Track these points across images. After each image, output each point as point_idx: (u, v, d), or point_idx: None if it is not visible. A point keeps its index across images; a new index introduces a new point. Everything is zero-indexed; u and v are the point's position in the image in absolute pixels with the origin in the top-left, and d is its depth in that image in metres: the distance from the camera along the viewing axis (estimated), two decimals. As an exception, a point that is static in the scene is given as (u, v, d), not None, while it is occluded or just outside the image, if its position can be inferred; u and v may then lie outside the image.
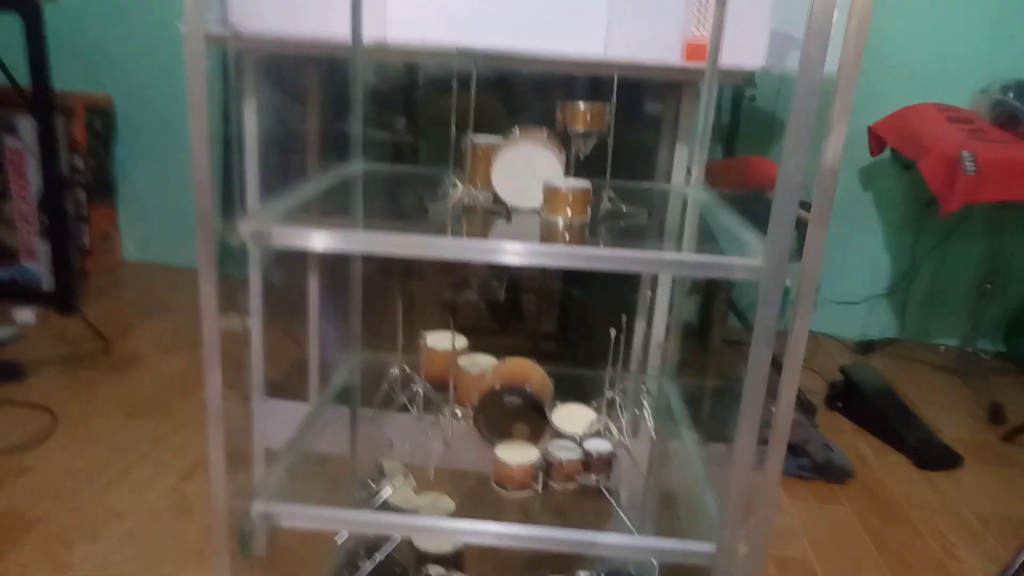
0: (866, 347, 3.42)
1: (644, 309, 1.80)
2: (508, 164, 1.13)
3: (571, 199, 1.05)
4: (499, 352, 1.41)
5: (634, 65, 1.71)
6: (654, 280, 1.80)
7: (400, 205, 1.26)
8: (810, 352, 3.22)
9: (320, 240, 0.93)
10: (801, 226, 0.92)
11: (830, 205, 0.80)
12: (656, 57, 1.76)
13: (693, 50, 1.75)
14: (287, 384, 2.23)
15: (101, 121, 3.44)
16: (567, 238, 1.03)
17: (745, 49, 1.62)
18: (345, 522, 1.05)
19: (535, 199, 1.12)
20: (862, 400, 2.77)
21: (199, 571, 1.72)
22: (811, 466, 2.38)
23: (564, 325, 2.81)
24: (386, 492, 1.31)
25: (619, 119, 1.24)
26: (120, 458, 2.13)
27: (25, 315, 2.95)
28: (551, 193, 1.07)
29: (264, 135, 1.43)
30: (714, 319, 2.47)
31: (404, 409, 1.35)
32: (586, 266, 0.91)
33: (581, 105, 1.16)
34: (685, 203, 1.35)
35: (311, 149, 1.86)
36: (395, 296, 1.43)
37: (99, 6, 3.40)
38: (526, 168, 1.12)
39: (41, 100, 2.86)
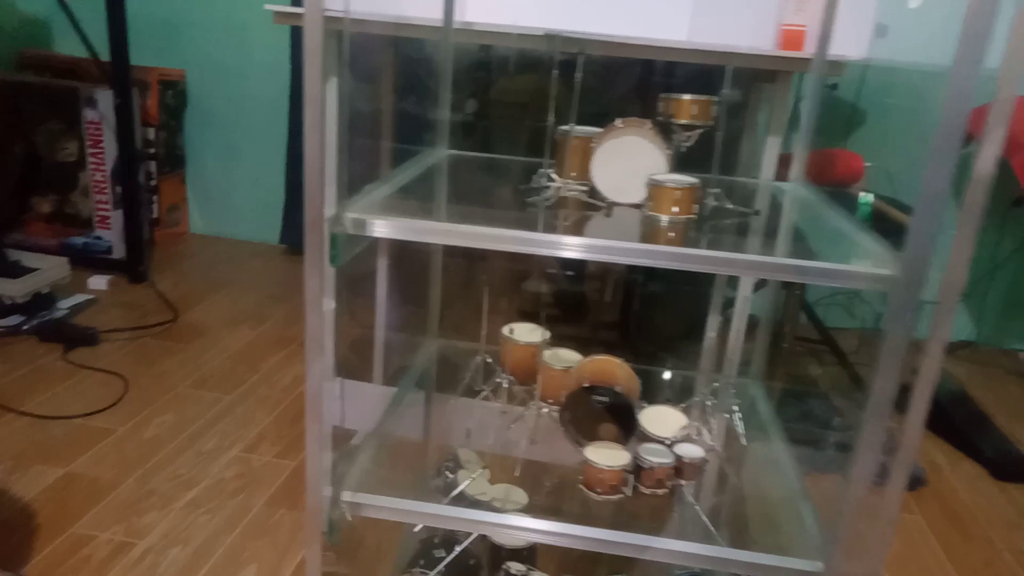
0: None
1: (717, 305, 1.75)
2: (609, 157, 1.09)
3: (678, 196, 1.00)
4: (577, 346, 1.38)
5: (722, 51, 1.64)
6: (731, 277, 1.74)
7: (495, 196, 1.23)
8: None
9: (423, 233, 0.91)
10: (900, 229, 0.86)
11: (980, 216, 0.74)
12: (747, 44, 1.69)
13: (790, 37, 1.67)
14: (356, 365, 2.24)
15: (173, 96, 3.49)
16: (677, 238, 0.98)
17: (849, 38, 1.55)
18: (428, 516, 1.04)
19: (636, 194, 1.08)
20: (935, 404, 2.66)
21: (263, 542, 1.74)
22: (880, 471, 2.30)
23: (637, 320, 2.76)
24: (464, 482, 1.29)
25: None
26: (187, 427, 2.17)
27: (98, 282, 3.02)
28: (656, 190, 1.02)
29: (352, 120, 1.41)
30: (787, 317, 2.40)
31: (484, 399, 1.34)
32: (699, 268, 0.87)
33: (686, 96, 1.11)
34: (786, 201, 1.29)
35: (396, 134, 1.85)
36: (473, 283, 1.40)
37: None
38: (628, 161, 1.08)
39: (120, 74, 2.90)
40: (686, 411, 1.26)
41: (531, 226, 0.98)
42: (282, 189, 3.58)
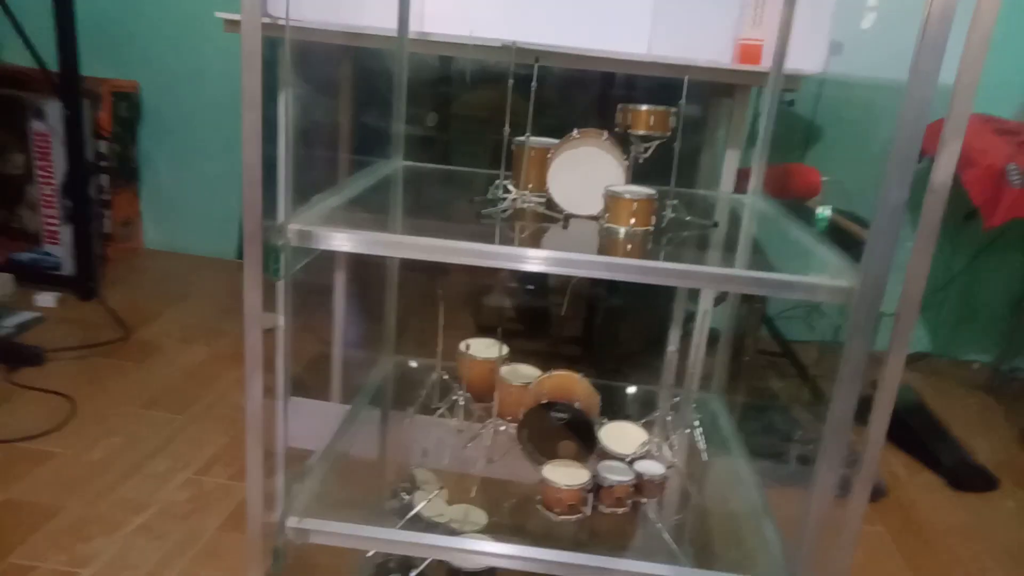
0: (895, 361, 3.34)
1: (679, 319, 1.74)
2: (566, 167, 1.07)
3: (635, 207, 0.98)
4: (537, 361, 1.35)
5: (680, 64, 1.64)
6: (692, 291, 1.73)
7: (450, 208, 1.20)
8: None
9: (372, 245, 0.88)
10: (857, 242, 0.85)
11: (937, 227, 0.74)
12: (706, 58, 1.70)
13: (747, 51, 1.68)
14: (310, 383, 2.19)
15: (127, 107, 3.40)
16: (635, 250, 0.96)
17: (806, 53, 1.56)
18: (381, 542, 1.00)
19: (594, 205, 1.06)
20: (894, 415, 2.69)
21: (215, 568, 1.67)
22: (841, 483, 2.31)
23: (598, 334, 2.75)
24: (419, 504, 1.25)
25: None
26: (137, 449, 2.09)
27: (46, 299, 2.91)
28: (614, 201, 1.01)
29: (302, 130, 1.38)
30: (748, 330, 2.40)
31: (441, 416, 1.30)
32: (658, 281, 0.85)
33: (643, 107, 1.09)
34: (744, 213, 1.28)
35: (349, 145, 1.81)
36: (430, 298, 1.37)
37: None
38: (585, 172, 1.06)
39: (69, 84, 2.82)
40: (647, 427, 1.24)
41: (486, 238, 0.95)
42: (238, 201, 3.50)
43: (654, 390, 1.27)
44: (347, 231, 0.89)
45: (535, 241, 1.01)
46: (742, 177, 1.46)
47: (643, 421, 1.25)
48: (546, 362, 1.34)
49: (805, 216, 2.29)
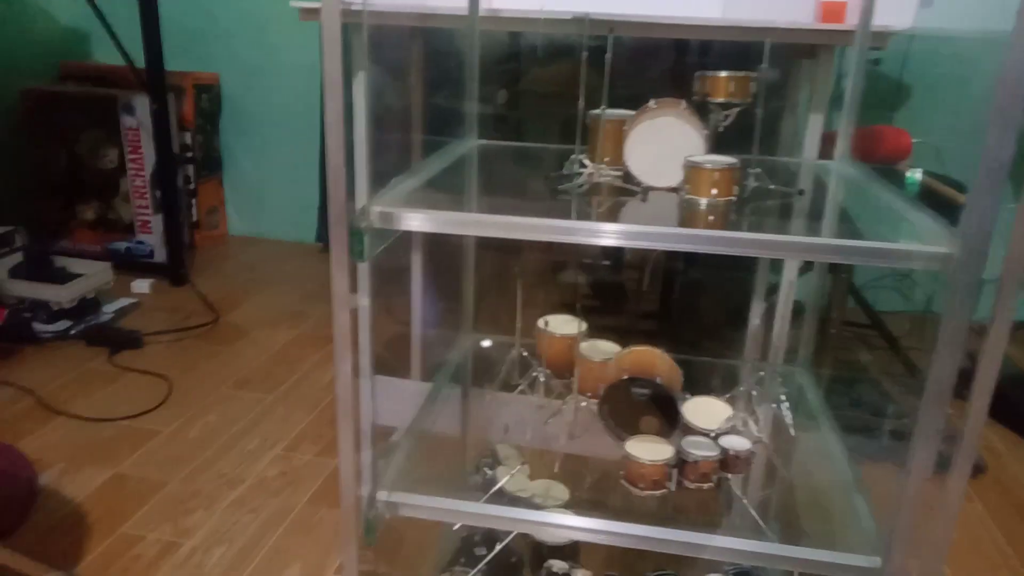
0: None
1: (761, 291, 1.69)
2: (643, 139, 1.05)
3: (716, 177, 0.96)
4: (616, 337, 1.34)
5: (759, 27, 1.58)
6: (775, 262, 1.68)
7: (527, 185, 1.20)
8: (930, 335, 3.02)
9: (452, 224, 0.89)
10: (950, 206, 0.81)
11: (1047, 186, 0.69)
12: (785, 19, 1.63)
13: (829, 9, 1.61)
14: (392, 361, 2.24)
15: (208, 99, 3.53)
16: (717, 221, 0.94)
17: (893, 8, 1.48)
18: (468, 515, 1.02)
19: (673, 177, 1.04)
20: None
21: (307, 540, 1.74)
22: (938, 459, 2.21)
23: (677, 308, 2.70)
24: (503, 479, 1.27)
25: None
26: (230, 427, 2.19)
27: (141, 286, 3.07)
28: (694, 171, 0.98)
29: (378, 113, 1.40)
30: (834, 302, 2.32)
31: (521, 393, 1.31)
32: (741, 252, 0.83)
33: (723, 73, 1.06)
34: (830, 180, 1.23)
35: (423, 126, 1.82)
36: (507, 276, 1.38)
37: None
38: (663, 143, 1.04)
39: (155, 80, 2.94)
40: (731, 402, 1.21)
41: (564, 214, 0.95)
42: (317, 188, 3.60)
43: (737, 364, 1.25)
44: (427, 211, 0.90)
45: (613, 215, 1.00)
46: (827, 142, 1.40)
47: (727, 396, 1.22)
48: (626, 338, 1.32)
49: (895, 180, 2.18)
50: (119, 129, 3.15)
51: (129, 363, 2.50)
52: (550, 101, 2.47)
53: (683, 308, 2.69)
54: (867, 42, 1.26)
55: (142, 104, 3.06)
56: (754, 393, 1.22)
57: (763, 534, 0.99)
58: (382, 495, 1.01)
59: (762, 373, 1.29)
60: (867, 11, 1.25)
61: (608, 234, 0.86)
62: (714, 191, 0.97)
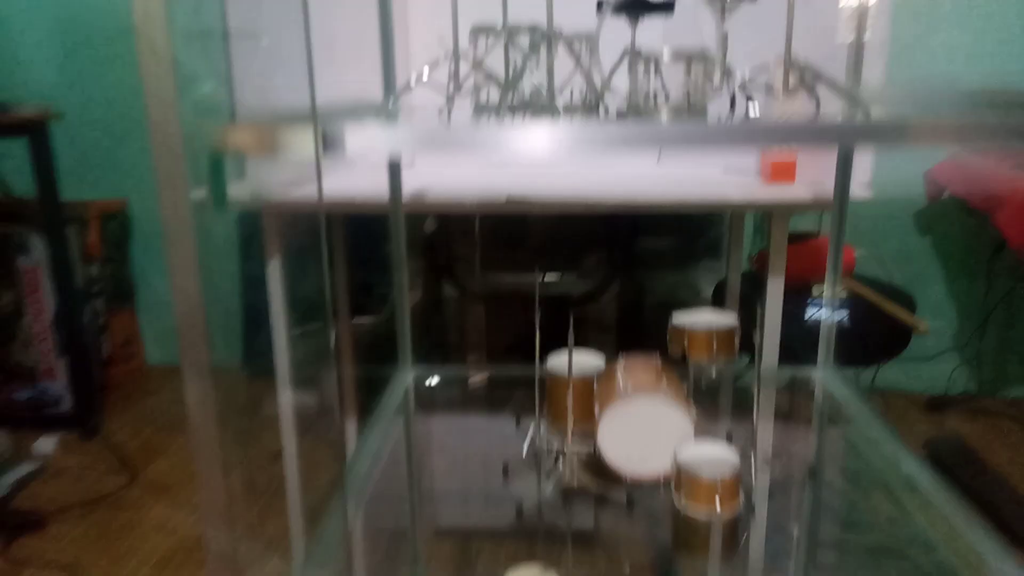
0: (939, 404, 3.15)
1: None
2: (618, 424, 0.88)
3: (720, 487, 0.79)
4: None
5: (705, 202, 1.48)
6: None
7: (482, 479, 1.03)
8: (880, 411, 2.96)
9: None
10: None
11: None
12: (732, 179, 1.54)
13: (779, 169, 1.53)
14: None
15: (117, 227, 3.29)
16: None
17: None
18: None
19: (659, 462, 0.87)
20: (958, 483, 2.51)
21: None
22: None
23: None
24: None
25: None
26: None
27: (46, 445, 2.77)
28: (690, 480, 0.79)
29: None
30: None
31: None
32: None
33: (702, 328, 0.90)
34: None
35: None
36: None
37: (104, 112, 3.27)
38: (643, 429, 0.87)
39: (51, 216, 2.71)
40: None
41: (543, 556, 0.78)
42: (240, 308, 3.37)
43: None
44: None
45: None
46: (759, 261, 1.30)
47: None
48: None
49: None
50: (14, 270, 2.88)
51: (29, 551, 2.20)
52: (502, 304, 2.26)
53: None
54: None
55: (38, 242, 2.80)
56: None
57: None
58: None
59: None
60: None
61: None
62: (717, 503, 0.80)
